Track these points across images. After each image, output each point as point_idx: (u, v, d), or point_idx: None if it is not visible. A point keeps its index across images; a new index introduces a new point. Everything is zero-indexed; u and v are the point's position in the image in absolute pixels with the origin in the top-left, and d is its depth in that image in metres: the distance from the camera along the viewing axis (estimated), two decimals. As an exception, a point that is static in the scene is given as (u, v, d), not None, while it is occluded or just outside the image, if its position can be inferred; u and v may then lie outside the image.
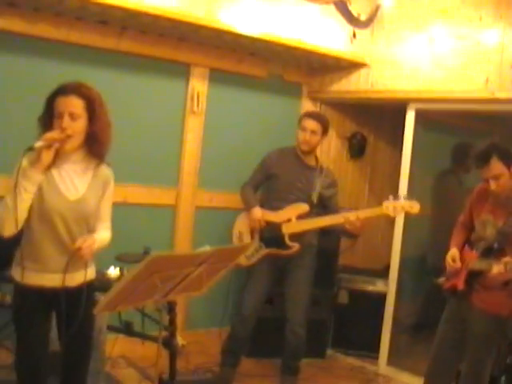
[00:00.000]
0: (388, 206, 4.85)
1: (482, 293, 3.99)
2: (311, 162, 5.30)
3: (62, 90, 3.22)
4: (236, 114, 6.11)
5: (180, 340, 4.63)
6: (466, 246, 4.18)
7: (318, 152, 6.21)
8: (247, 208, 5.29)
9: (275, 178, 5.26)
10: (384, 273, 6.20)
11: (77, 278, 3.34)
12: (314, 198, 5.17)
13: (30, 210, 3.19)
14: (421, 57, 5.59)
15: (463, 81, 5.28)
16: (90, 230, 3.36)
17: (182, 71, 5.71)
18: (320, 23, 5.71)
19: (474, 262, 4.01)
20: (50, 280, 3.27)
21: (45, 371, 3.41)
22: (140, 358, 5.21)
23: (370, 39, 5.98)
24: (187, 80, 5.75)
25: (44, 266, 3.26)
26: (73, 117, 3.17)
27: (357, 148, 6.97)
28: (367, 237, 7.01)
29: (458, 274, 4.11)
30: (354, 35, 5.93)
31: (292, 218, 5.12)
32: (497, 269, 3.70)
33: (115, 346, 4.92)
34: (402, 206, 4.84)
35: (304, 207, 5.14)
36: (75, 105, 3.19)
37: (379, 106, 6.66)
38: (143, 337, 4.75)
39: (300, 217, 5.13)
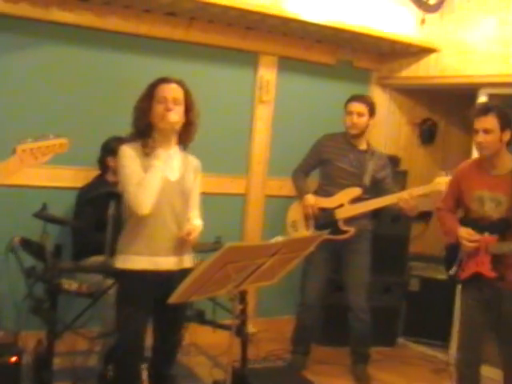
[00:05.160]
0: (440, 182, 4.75)
1: (510, 275, 3.91)
2: (362, 146, 5.25)
3: (165, 79, 3.50)
4: (305, 101, 6.09)
5: (251, 328, 4.68)
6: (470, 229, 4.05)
7: (388, 139, 6.16)
8: (300, 195, 5.29)
9: (327, 164, 5.24)
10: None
11: (182, 263, 3.55)
12: (367, 181, 5.14)
13: None
14: (492, 40, 5.47)
15: (536, 64, 5.16)
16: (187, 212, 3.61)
17: (250, 60, 5.73)
18: (388, 8, 5.67)
19: (496, 246, 3.92)
20: (154, 263, 3.45)
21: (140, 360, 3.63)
22: (211, 345, 5.26)
23: (440, 24, 5.88)
24: (256, 69, 5.77)
25: (150, 250, 3.44)
26: (176, 102, 3.46)
27: (427, 134, 6.87)
28: (438, 224, 6.92)
29: (475, 260, 4.01)
30: (423, 20, 5.84)
31: (345, 203, 5.10)
32: None
33: (186, 334, 4.96)
34: None
35: (356, 191, 5.11)
36: (179, 92, 3.50)
37: (450, 92, 6.54)
38: (214, 325, 4.79)
39: (352, 201, 5.11)
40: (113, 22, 4.99)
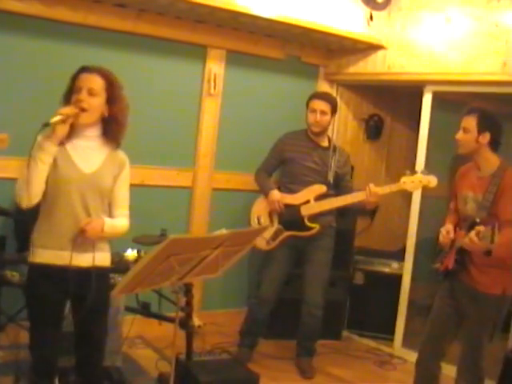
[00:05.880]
0: (406, 181, 4.83)
1: (473, 272, 3.99)
2: (324, 142, 5.29)
3: (86, 68, 3.30)
4: (253, 95, 6.11)
5: (196, 321, 4.68)
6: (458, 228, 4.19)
7: (335, 133, 6.21)
8: (264, 192, 5.29)
9: (290, 162, 5.26)
10: (400, 254, 6.20)
11: (86, 259, 3.31)
12: (331, 178, 5.18)
13: (47, 185, 3.21)
14: (438, 39, 5.56)
15: (480, 63, 5.23)
16: (106, 210, 3.37)
17: (198, 53, 5.71)
18: (337, 5, 5.70)
19: (459, 240, 4.01)
20: (60, 258, 3.25)
21: (57, 352, 3.42)
22: (157, 338, 5.26)
23: (387, 21, 5.94)
24: (204, 62, 5.76)
25: (58, 244, 3.25)
26: (91, 92, 3.23)
27: (373, 130, 6.95)
28: (383, 218, 7.02)
29: (448, 255, 4.12)
30: (371, 17, 5.90)
31: (310, 200, 5.14)
32: (468, 238, 3.70)
33: (132, 326, 4.94)
34: (419, 180, 4.81)
35: (321, 188, 5.14)
36: (96, 82, 3.26)
37: (396, 88, 6.62)
38: (160, 318, 4.79)
39: (318, 198, 5.14)
40: (61, 12, 4.92)
